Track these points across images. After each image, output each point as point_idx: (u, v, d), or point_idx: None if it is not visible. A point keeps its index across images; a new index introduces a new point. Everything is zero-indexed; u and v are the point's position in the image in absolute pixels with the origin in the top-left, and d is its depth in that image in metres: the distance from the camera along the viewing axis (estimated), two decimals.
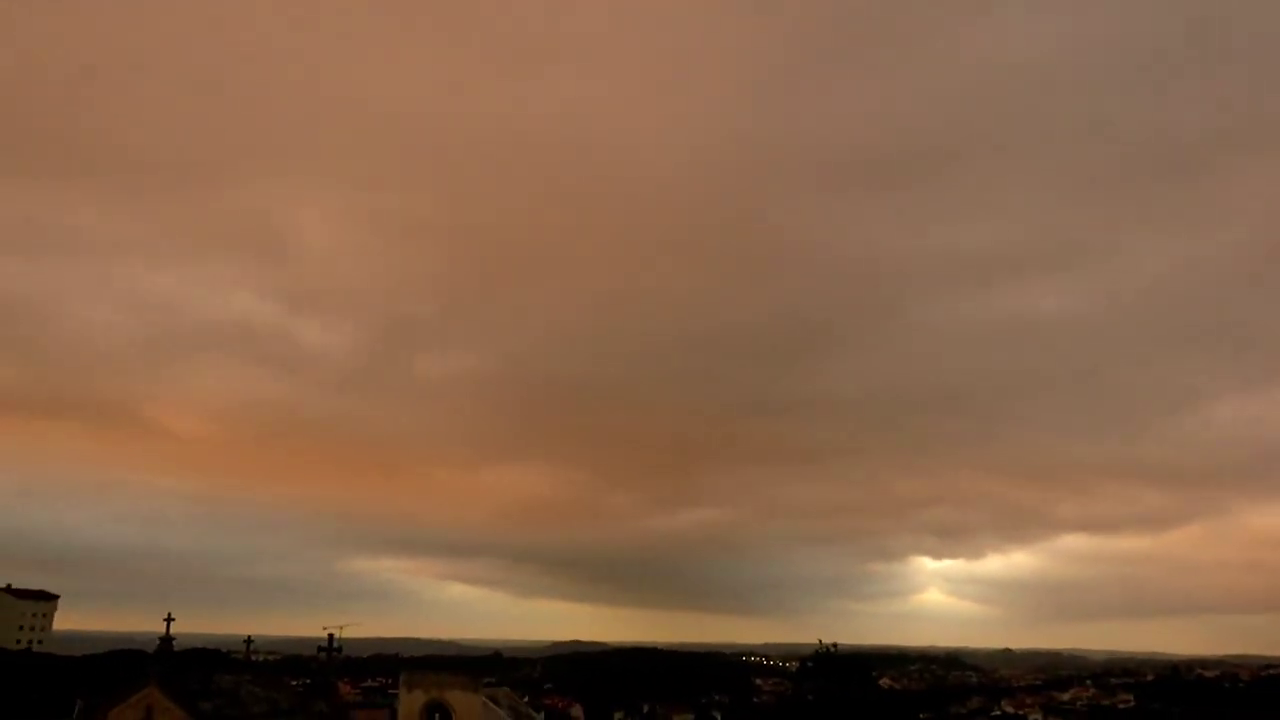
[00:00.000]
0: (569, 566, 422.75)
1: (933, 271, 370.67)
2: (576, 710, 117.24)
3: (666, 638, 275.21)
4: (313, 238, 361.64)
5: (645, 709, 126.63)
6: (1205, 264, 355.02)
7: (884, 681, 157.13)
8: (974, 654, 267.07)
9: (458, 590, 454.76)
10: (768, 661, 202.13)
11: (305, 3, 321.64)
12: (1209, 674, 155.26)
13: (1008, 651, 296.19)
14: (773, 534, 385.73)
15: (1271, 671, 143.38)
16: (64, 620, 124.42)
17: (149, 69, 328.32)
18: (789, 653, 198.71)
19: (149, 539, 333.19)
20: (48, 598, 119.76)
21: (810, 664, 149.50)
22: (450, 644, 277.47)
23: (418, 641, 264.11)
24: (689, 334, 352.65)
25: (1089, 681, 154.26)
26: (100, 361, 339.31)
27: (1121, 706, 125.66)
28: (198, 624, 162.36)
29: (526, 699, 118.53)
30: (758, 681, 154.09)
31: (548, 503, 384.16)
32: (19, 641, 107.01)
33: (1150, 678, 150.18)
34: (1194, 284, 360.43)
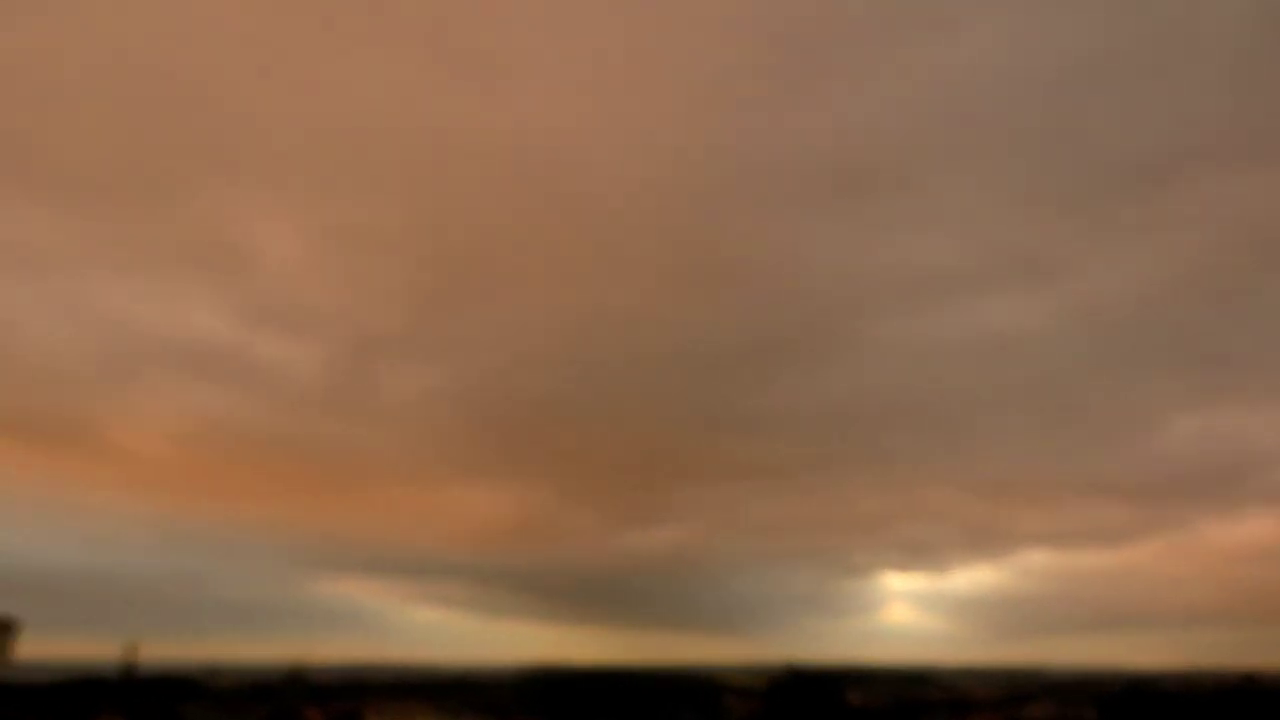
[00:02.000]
0: (536, 587, 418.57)
1: (895, 285, 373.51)
2: None
3: (635, 658, 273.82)
4: (275, 252, 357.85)
5: None
6: (1168, 279, 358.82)
7: (852, 698, 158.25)
8: (940, 670, 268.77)
9: (426, 612, 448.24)
10: (737, 680, 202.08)
11: (268, 10, 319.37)
12: (1171, 687, 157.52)
13: (973, 667, 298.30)
14: (739, 552, 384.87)
15: (1231, 684, 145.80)
16: (25, 647, 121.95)
17: (103, 76, 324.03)
18: (757, 671, 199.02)
19: (109, 563, 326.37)
20: (8, 625, 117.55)
21: (780, 683, 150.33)
22: (418, 667, 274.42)
23: (386, 665, 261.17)
24: (654, 351, 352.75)
25: (1052, 697, 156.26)
26: (55, 380, 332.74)
27: None
28: (160, 650, 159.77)
29: None
30: (727, 701, 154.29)
31: (515, 522, 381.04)
32: None
33: (1114, 691, 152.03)
34: (1156, 299, 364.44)
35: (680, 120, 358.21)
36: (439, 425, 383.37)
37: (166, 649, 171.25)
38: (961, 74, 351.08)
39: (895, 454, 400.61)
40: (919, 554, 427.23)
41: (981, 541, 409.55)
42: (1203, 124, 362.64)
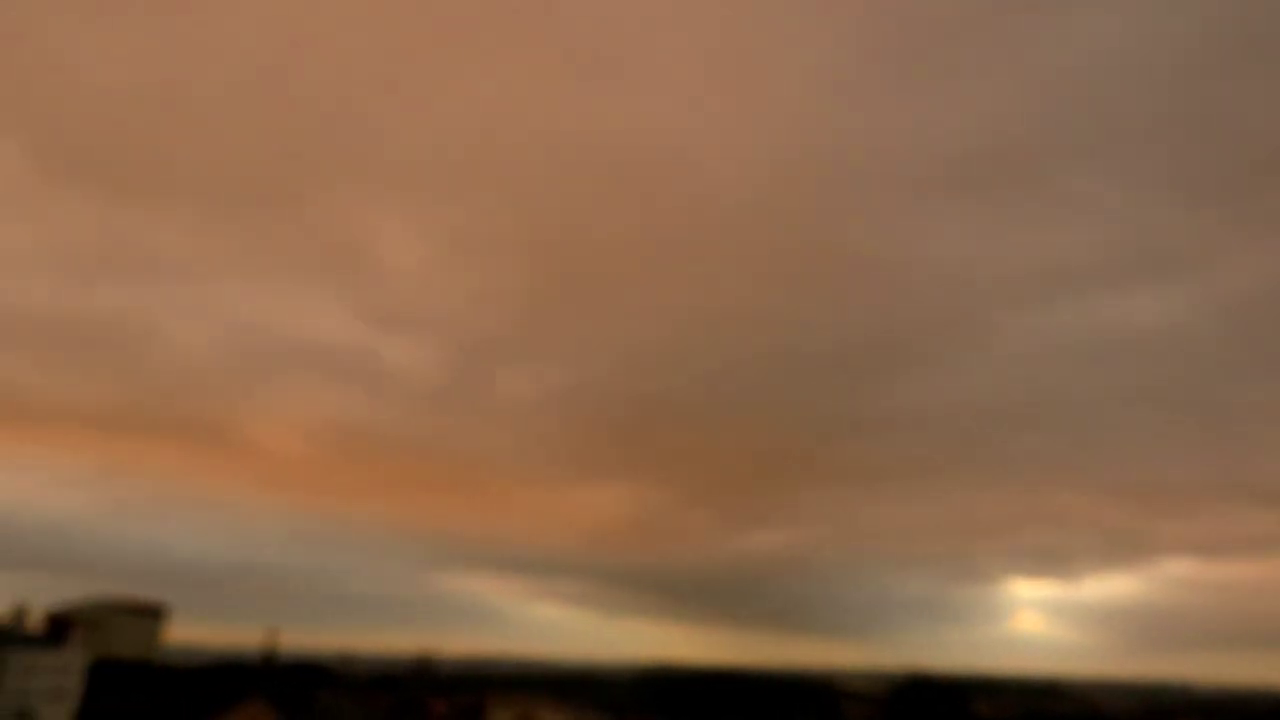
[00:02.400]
0: (653, 586, 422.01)
1: (1021, 281, 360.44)
2: None
3: (751, 659, 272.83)
4: (396, 256, 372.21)
5: None
6: None
7: (979, 708, 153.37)
8: (1072, 682, 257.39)
9: (545, 608, 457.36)
10: (855, 685, 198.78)
11: (383, 20, 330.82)
12: None
13: (1108, 680, 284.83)
14: (857, 555, 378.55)
15: None
16: (174, 632, 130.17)
17: (235, 93, 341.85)
18: (876, 677, 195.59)
19: (248, 555, 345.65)
20: (159, 611, 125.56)
21: (902, 689, 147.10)
22: (539, 662, 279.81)
23: (507, 659, 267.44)
24: (769, 350, 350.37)
25: (1196, 715, 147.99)
26: (196, 381, 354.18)
27: None
28: (296, 638, 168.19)
29: (612, 718, 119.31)
30: (845, 706, 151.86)
31: (631, 522, 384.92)
32: (136, 653, 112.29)
33: (1264, 712, 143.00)
34: None
35: (795, 116, 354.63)
36: (555, 425, 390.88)
37: (302, 637, 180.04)
38: (1094, 58, 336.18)
39: (1023, 456, 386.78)
40: (1049, 561, 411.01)
41: (1117, 549, 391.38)
42: None
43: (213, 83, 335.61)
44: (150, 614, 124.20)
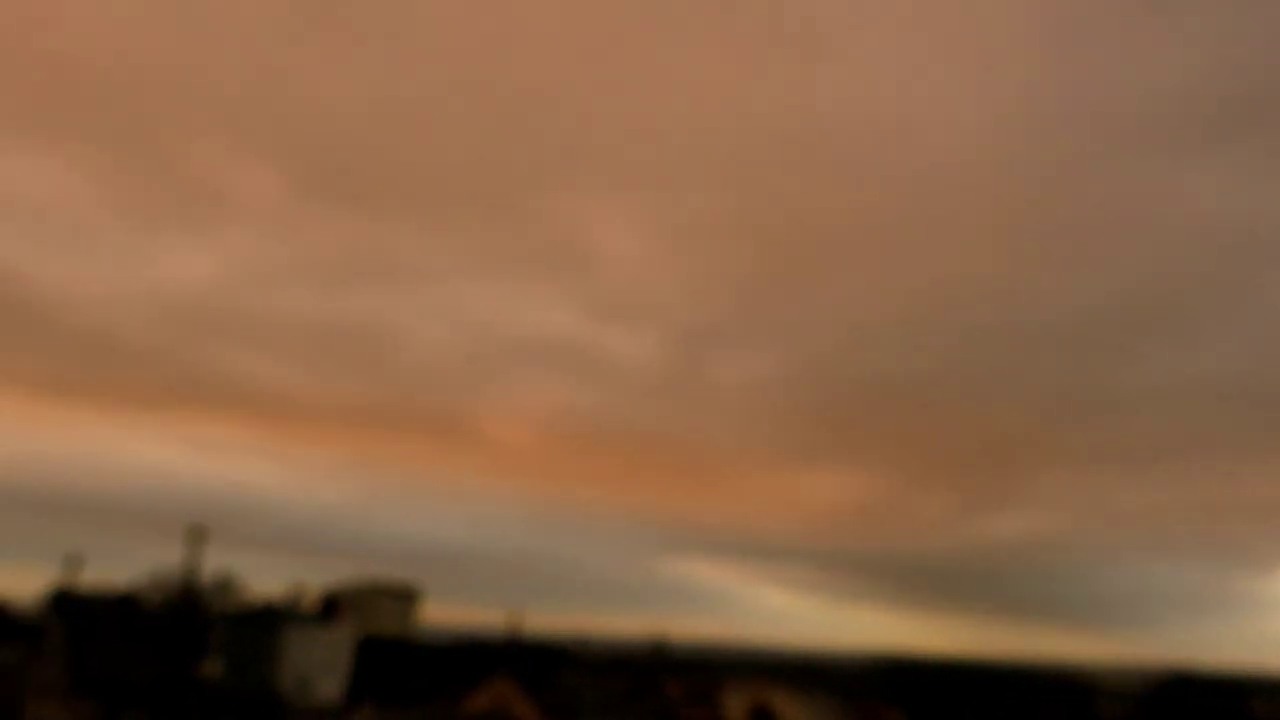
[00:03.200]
0: (882, 572, 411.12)
1: None
2: None
3: (992, 650, 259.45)
4: (616, 248, 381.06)
5: None
6: None
7: (1258, 708, 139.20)
8: None
9: (772, 594, 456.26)
10: (1109, 682, 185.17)
11: (590, 11, 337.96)
12: None
13: None
14: (1110, 540, 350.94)
15: None
16: (425, 612, 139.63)
17: (453, 96, 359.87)
18: (1131, 672, 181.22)
19: (489, 540, 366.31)
20: (414, 593, 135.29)
21: (1164, 687, 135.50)
22: (767, 648, 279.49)
23: (735, 644, 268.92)
24: (1003, 324, 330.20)
25: None
26: (435, 377, 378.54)
27: None
28: (535, 619, 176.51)
29: (848, 707, 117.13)
30: (1099, 704, 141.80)
31: (858, 506, 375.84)
32: (394, 631, 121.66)
33: None
34: None
35: (1018, 69, 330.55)
36: (778, 409, 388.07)
37: (540, 619, 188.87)
38: None
39: None
40: None
41: None
42: None
43: (432, 92, 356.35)
44: (406, 595, 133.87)
